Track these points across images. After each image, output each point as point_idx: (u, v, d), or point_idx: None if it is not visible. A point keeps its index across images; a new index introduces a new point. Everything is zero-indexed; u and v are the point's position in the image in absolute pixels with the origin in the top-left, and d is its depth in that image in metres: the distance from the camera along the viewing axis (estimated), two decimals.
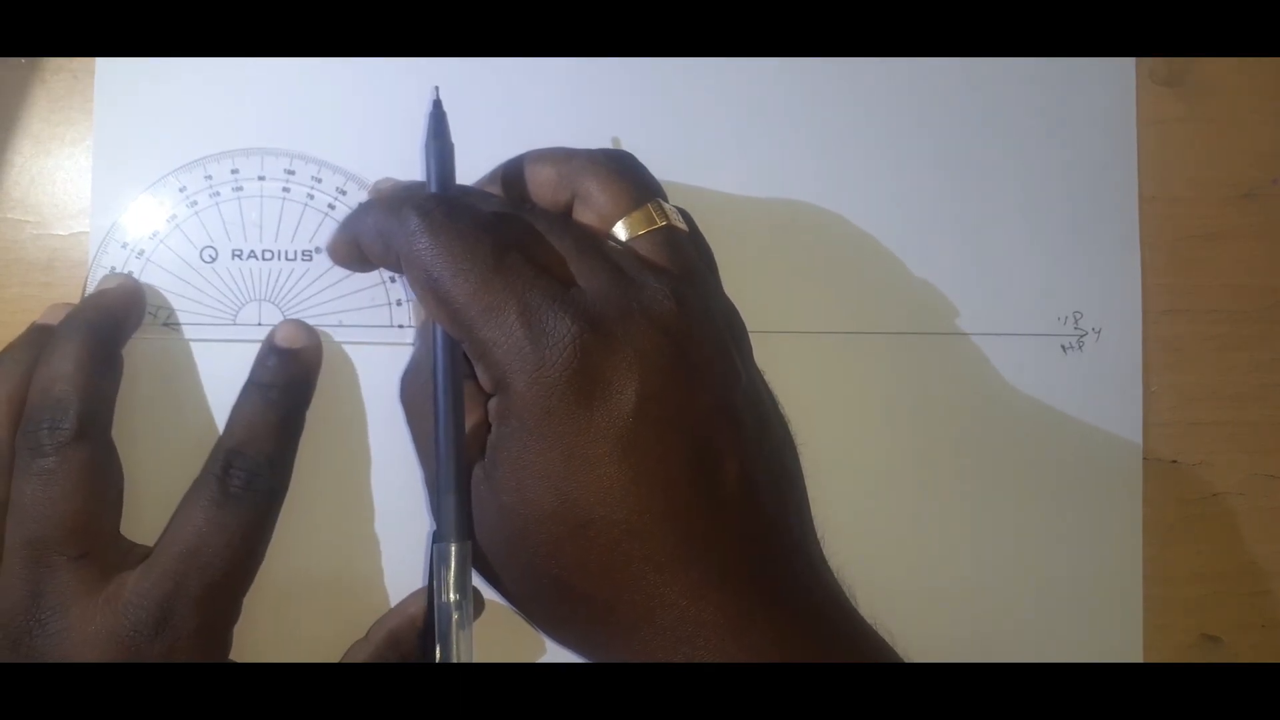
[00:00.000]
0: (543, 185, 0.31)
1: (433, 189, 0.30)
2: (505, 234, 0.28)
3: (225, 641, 0.30)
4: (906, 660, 0.28)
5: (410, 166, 0.34)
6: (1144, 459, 0.35)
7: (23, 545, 0.28)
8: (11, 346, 0.31)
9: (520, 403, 0.27)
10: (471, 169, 0.34)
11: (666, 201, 0.30)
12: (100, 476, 0.29)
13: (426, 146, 0.30)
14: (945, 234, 0.35)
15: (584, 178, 0.30)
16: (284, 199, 0.33)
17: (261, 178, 0.33)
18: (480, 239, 0.27)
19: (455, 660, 0.28)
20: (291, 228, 0.33)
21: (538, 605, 0.29)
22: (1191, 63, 0.36)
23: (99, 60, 0.33)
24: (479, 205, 0.29)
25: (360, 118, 0.34)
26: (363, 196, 0.33)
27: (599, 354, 0.26)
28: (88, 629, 0.28)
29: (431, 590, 0.30)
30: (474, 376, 0.29)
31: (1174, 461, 0.35)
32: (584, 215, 0.30)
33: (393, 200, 0.29)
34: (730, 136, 0.35)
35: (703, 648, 0.26)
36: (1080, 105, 0.35)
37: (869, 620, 0.28)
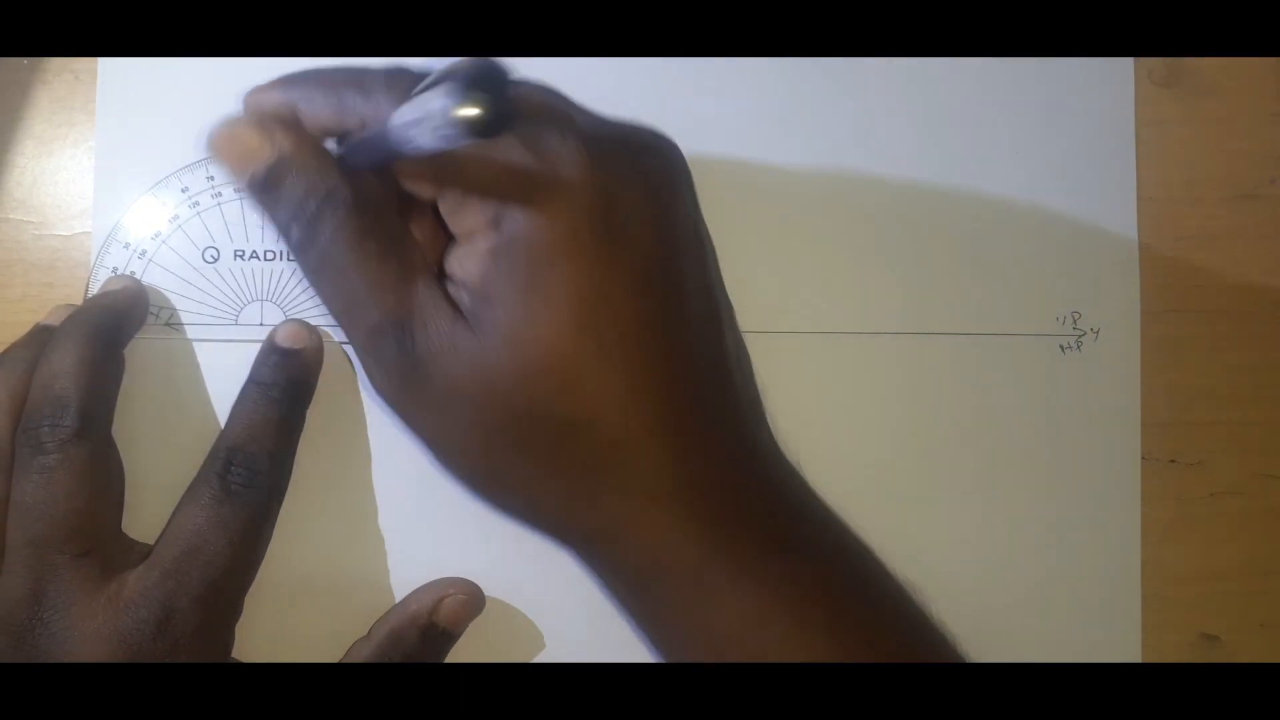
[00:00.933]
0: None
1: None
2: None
3: (227, 640, 0.30)
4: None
5: None
6: (1142, 459, 0.35)
7: (25, 544, 0.28)
8: (14, 346, 0.31)
9: (526, 234, 0.26)
10: None
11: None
12: (101, 474, 0.29)
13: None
14: (944, 234, 0.35)
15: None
16: None
17: None
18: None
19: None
20: None
21: (521, 455, 0.28)
22: (1190, 63, 0.36)
23: (101, 60, 0.34)
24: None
25: None
26: None
27: (611, 189, 0.27)
28: (89, 627, 0.28)
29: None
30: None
31: (1172, 461, 0.35)
32: None
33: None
34: (730, 136, 0.35)
35: (688, 500, 0.27)
36: (1078, 105, 0.35)
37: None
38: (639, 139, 0.29)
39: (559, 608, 0.33)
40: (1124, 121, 0.35)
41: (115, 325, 0.31)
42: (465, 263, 0.28)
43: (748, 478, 0.29)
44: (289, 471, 0.31)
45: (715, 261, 0.31)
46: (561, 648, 0.33)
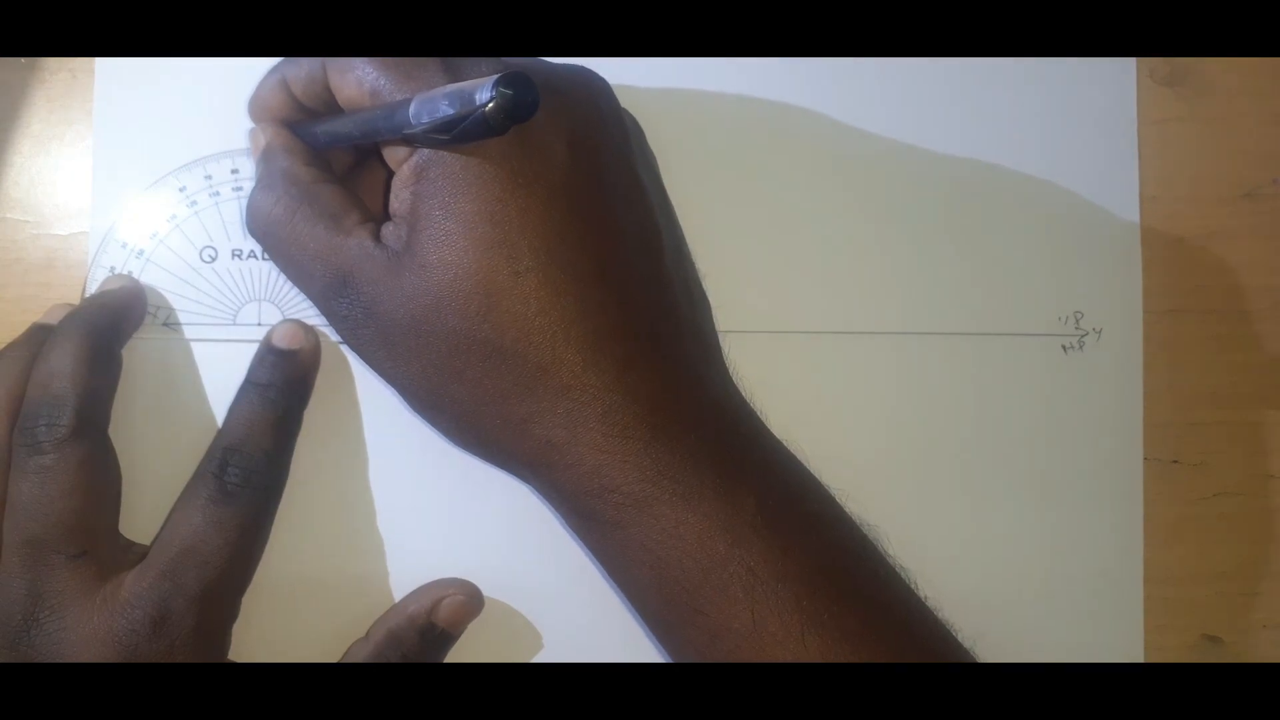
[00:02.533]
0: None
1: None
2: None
3: (224, 641, 0.30)
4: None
5: None
6: (1144, 459, 0.35)
7: (21, 544, 0.28)
8: (11, 345, 0.31)
9: (446, 154, 0.27)
10: None
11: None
12: (98, 474, 0.29)
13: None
14: (945, 234, 0.35)
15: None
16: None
17: None
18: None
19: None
20: None
21: (456, 383, 0.28)
22: (1192, 63, 0.36)
23: (99, 60, 0.33)
24: None
25: None
26: None
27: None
28: (85, 629, 0.28)
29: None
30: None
31: (1174, 461, 0.35)
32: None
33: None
34: (729, 136, 0.35)
35: (622, 423, 0.27)
36: (1081, 105, 0.35)
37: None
38: (565, 71, 0.29)
39: (558, 607, 0.33)
40: (1126, 121, 0.35)
41: (113, 324, 0.31)
42: (398, 194, 0.28)
43: (690, 404, 0.28)
44: (286, 472, 0.31)
45: (662, 195, 0.31)
46: (560, 647, 0.33)
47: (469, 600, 0.32)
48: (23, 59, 0.34)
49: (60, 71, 0.34)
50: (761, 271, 0.34)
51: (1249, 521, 0.35)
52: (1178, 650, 0.35)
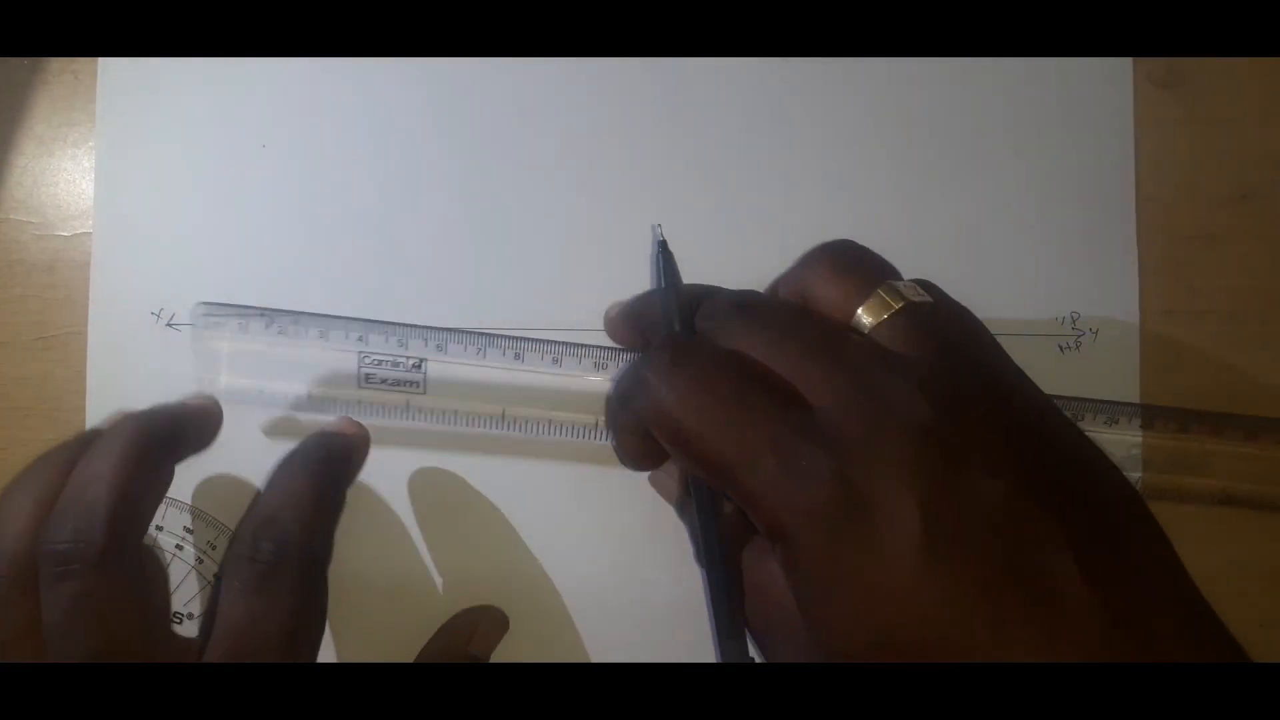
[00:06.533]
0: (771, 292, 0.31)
1: (662, 334, 0.29)
2: (739, 366, 0.26)
3: None
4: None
5: (411, 167, 0.34)
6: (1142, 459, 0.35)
7: None
8: (57, 446, 0.28)
9: (805, 554, 0.24)
10: (480, 169, 0.34)
11: (899, 279, 0.28)
12: (139, 590, 0.27)
13: (656, 288, 0.32)
14: (942, 234, 0.35)
15: (808, 281, 0.28)
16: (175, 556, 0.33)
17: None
18: (716, 383, 0.26)
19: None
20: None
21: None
22: (1189, 64, 0.36)
23: (101, 61, 0.34)
24: (710, 330, 0.28)
25: (361, 117, 0.34)
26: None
27: (865, 480, 0.24)
28: None
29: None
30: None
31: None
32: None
33: (629, 367, 0.29)
34: (729, 136, 0.35)
35: None
36: (1077, 106, 0.35)
37: None
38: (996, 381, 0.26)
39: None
40: (1123, 122, 0.35)
41: (171, 435, 0.29)
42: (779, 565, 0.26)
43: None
44: (330, 545, 0.28)
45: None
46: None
47: (498, 625, 0.32)
48: (26, 60, 0.34)
49: (63, 73, 0.34)
50: (759, 272, 0.34)
51: (1246, 521, 0.35)
52: None
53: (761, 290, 0.32)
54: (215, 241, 0.33)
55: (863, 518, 0.24)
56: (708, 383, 0.26)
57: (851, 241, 0.30)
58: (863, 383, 0.25)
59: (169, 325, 0.33)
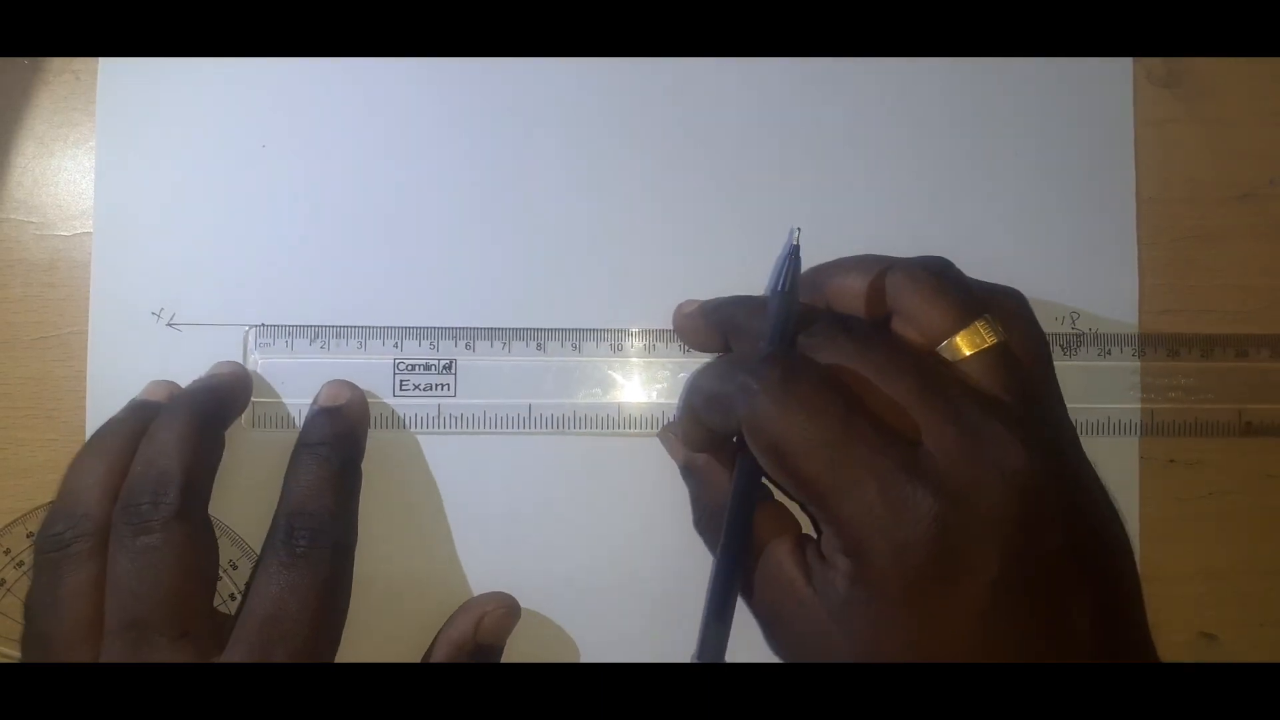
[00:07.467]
0: (851, 297, 0.30)
1: (772, 342, 0.29)
2: (848, 393, 0.27)
3: None
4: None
5: (411, 167, 0.34)
6: (1140, 458, 0.35)
7: (126, 627, 0.28)
8: (113, 420, 0.31)
9: (881, 575, 0.26)
10: (475, 165, 0.34)
11: (990, 314, 0.28)
12: (201, 553, 0.29)
13: (773, 292, 0.30)
14: (943, 234, 0.35)
15: (904, 293, 0.29)
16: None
17: None
18: (825, 406, 0.26)
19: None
20: None
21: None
22: (1189, 63, 0.36)
23: (102, 60, 0.34)
24: (812, 346, 0.28)
25: (360, 117, 0.34)
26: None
27: (959, 528, 0.25)
28: None
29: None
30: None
31: (1170, 461, 0.35)
32: (904, 330, 0.29)
33: (726, 367, 0.29)
34: (728, 136, 0.35)
35: None
36: (1077, 106, 0.35)
37: None
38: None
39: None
40: (1123, 122, 0.35)
41: (219, 407, 0.32)
42: (837, 576, 0.27)
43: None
44: (354, 527, 0.31)
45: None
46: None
47: (508, 611, 0.32)
48: (26, 60, 0.34)
49: (64, 72, 0.34)
50: (758, 272, 0.34)
51: (1245, 521, 0.35)
52: (1174, 649, 0.35)
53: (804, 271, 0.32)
54: (215, 241, 0.33)
55: (946, 561, 0.25)
56: (817, 405, 0.26)
57: (950, 263, 0.30)
58: (970, 430, 0.26)
59: (169, 325, 0.33)
